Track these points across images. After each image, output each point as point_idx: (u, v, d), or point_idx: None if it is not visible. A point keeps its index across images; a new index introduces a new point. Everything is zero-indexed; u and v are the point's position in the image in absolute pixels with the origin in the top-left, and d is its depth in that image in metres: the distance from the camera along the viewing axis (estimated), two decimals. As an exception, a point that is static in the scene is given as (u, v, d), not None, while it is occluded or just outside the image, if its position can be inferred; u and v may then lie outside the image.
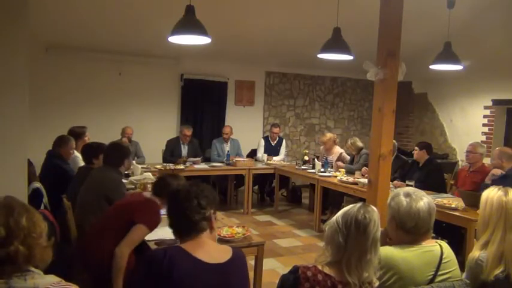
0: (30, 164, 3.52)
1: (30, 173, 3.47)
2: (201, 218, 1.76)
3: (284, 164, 6.80)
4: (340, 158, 6.45)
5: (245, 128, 7.60)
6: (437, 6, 5.22)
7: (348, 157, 6.37)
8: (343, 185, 5.28)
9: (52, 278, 1.35)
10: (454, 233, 4.14)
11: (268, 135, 7.25)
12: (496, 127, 6.96)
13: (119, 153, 3.32)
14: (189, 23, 3.36)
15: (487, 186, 2.34)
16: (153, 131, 6.85)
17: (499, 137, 6.94)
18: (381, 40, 2.94)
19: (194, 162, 6.18)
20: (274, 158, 6.92)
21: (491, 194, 1.97)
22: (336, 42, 4.19)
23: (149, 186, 3.85)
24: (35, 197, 3.43)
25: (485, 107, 7.06)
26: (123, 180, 3.68)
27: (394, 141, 3.63)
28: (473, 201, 3.71)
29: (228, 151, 6.65)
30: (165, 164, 5.94)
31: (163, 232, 2.74)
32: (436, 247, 1.86)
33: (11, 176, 2.70)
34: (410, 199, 1.84)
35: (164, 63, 7.01)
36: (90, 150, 3.82)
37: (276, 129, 7.06)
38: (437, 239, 2.01)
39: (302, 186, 7.57)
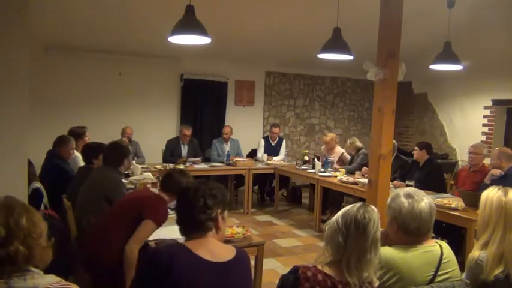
0: (30, 164, 3.53)
1: (30, 173, 3.48)
2: (207, 218, 1.75)
3: (284, 164, 6.80)
4: (341, 158, 6.45)
5: (245, 128, 7.60)
6: (437, 6, 5.22)
7: (349, 157, 6.36)
8: (343, 185, 5.27)
9: (52, 278, 1.35)
10: (454, 233, 4.14)
11: (268, 135, 7.24)
12: (496, 127, 6.96)
13: (118, 153, 3.31)
14: (189, 23, 3.36)
15: (487, 186, 2.33)
16: (153, 131, 6.85)
17: (499, 137, 6.93)
18: (381, 40, 2.94)
19: (194, 162, 6.18)
20: (274, 158, 6.92)
21: (491, 194, 1.97)
22: (336, 42, 4.19)
23: (149, 186, 3.85)
24: (35, 197, 3.44)
25: (485, 107, 7.06)
26: (123, 180, 3.69)
27: (394, 141, 3.63)
28: (473, 201, 3.70)
29: (228, 151, 6.65)
30: (165, 164, 5.95)
31: (164, 232, 2.75)
32: (436, 247, 1.86)
33: (11, 176, 2.70)
34: (412, 200, 1.84)
35: (164, 63, 7.01)
36: (90, 150, 3.82)
37: (276, 129, 7.06)
38: (437, 239, 2.01)
39: (302, 186, 7.56)
